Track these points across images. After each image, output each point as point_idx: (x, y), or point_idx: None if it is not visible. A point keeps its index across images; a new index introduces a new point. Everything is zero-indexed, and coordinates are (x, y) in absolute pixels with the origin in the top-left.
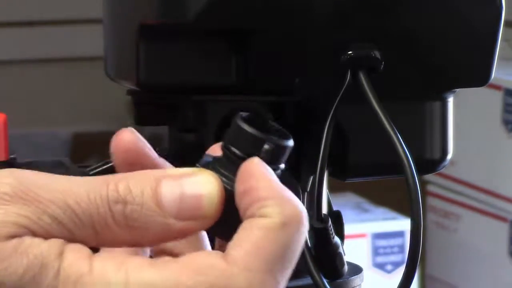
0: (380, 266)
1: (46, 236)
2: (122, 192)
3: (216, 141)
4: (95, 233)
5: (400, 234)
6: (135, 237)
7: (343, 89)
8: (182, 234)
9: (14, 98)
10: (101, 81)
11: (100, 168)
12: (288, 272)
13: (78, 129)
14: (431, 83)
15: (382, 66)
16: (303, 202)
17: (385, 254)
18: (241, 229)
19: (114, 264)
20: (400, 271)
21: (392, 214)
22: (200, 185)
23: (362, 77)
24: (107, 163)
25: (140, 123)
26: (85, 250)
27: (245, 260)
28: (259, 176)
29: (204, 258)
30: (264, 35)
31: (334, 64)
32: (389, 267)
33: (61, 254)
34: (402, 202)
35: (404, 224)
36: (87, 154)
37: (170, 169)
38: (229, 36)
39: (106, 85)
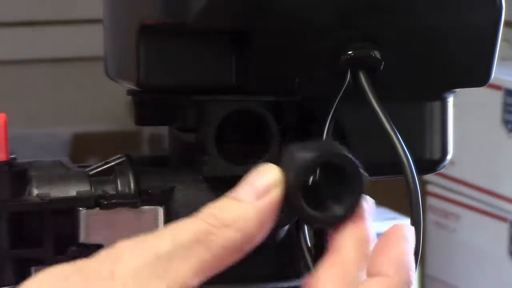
0: None
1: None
2: (209, 210)
3: (216, 141)
4: (208, 248)
5: None
6: (240, 231)
7: (343, 89)
8: (270, 209)
9: (14, 98)
10: (101, 81)
11: (100, 168)
12: None
13: (78, 129)
14: (431, 83)
15: (382, 66)
16: None
17: None
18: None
19: None
20: None
21: (392, 214)
22: (264, 174)
23: (362, 77)
24: (107, 163)
25: (140, 123)
26: None
27: None
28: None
29: None
30: (264, 35)
31: (334, 64)
32: None
33: None
34: (402, 202)
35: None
36: (87, 154)
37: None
38: (229, 36)
39: (106, 85)
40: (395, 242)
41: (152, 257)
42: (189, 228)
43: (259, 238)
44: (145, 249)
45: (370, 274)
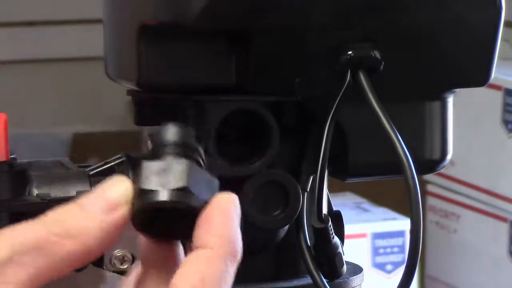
0: (380, 266)
1: None
2: (55, 216)
3: (217, 141)
4: (47, 256)
5: (400, 234)
6: (83, 245)
7: (343, 89)
8: (115, 227)
9: (14, 98)
10: (101, 81)
11: (100, 168)
12: None
13: (78, 129)
14: (431, 83)
15: (382, 66)
16: (303, 202)
17: (385, 254)
18: (187, 261)
19: None
20: (400, 271)
21: (392, 214)
22: (116, 187)
23: (362, 77)
24: (107, 163)
25: (140, 123)
26: None
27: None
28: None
29: None
30: (264, 35)
31: (334, 64)
32: (389, 267)
33: None
34: (402, 202)
35: (404, 224)
36: (87, 154)
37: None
38: (229, 36)
39: (106, 85)
40: (217, 215)
41: None
42: (32, 234)
43: (101, 252)
44: None
45: (195, 247)
